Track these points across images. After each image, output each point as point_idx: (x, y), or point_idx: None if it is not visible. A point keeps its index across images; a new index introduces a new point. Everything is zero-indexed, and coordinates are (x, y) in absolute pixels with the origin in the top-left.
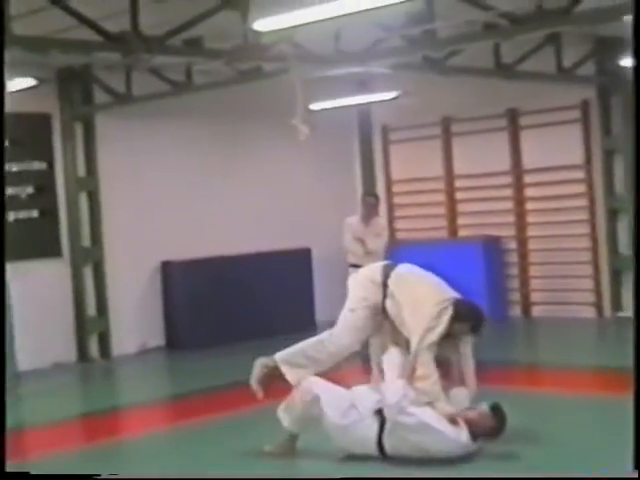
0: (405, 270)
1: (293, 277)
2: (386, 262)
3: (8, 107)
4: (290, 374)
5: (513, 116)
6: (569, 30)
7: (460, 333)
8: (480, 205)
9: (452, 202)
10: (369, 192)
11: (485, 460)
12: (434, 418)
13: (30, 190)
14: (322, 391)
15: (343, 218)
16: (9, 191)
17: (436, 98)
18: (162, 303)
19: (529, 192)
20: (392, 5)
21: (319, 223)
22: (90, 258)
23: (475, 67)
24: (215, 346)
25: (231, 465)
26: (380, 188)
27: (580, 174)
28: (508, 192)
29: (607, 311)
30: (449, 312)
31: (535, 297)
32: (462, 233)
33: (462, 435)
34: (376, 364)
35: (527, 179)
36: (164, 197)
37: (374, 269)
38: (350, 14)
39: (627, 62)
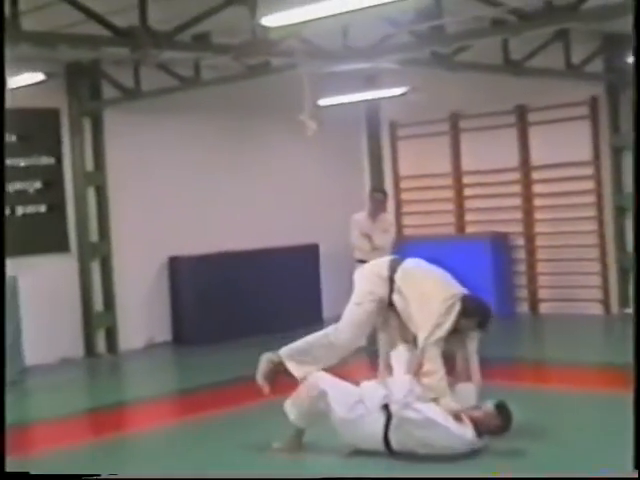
0: (412, 265)
1: (300, 273)
2: (393, 257)
3: (17, 102)
4: (295, 369)
5: (521, 112)
6: (577, 26)
7: (467, 329)
8: (488, 201)
9: (460, 198)
10: (377, 188)
11: (490, 457)
12: (440, 414)
13: (38, 185)
14: (329, 386)
15: (351, 214)
16: (17, 186)
17: (444, 94)
18: (169, 298)
19: (537, 188)
20: (400, 1)
21: (327, 219)
22: (98, 253)
23: (483, 63)
24: (222, 341)
25: (238, 460)
26: (388, 184)
27: (588, 171)
28: (516, 188)
29: (614, 308)
30: (456, 308)
31: (542, 294)
32: (470, 229)
33: (467, 432)
34: (384, 360)
35: (535, 175)
36: (172, 192)
37: (381, 264)
38: (358, 9)
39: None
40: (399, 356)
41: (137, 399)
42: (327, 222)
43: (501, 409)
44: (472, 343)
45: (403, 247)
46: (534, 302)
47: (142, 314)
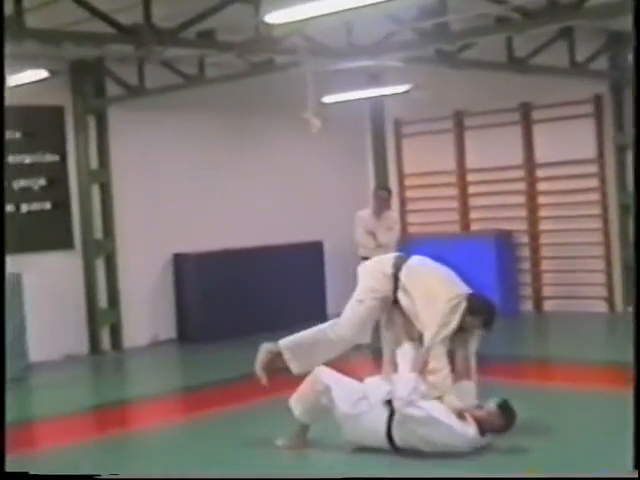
0: (417, 262)
1: (305, 270)
2: (397, 254)
3: (21, 99)
4: (293, 362)
5: (526, 110)
6: (582, 24)
7: (472, 327)
8: (492, 199)
9: (464, 196)
10: (381, 186)
11: (493, 454)
12: (443, 412)
13: (43, 182)
14: (333, 382)
15: (355, 211)
16: (21, 183)
17: (448, 92)
18: (174, 295)
19: (541, 186)
20: None
21: (331, 216)
22: (102, 250)
23: (487, 61)
24: (226, 339)
25: (242, 457)
26: (392, 182)
27: (593, 168)
28: (520, 186)
29: (619, 306)
30: (462, 306)
31: (547, 291)
32: (474, 227)
33: (470, 430)
34: (388, 357)
35: (539, 173)
36: (176, 189)
37: (385, 261)
38: (362, 7)
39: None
40: (404, 354)
41: (141, 396)
42: (331, 219)
43: (504, 408)
44: (474, 342)
45: (407, 245)
46: (538, 300)
47: (146, 311)
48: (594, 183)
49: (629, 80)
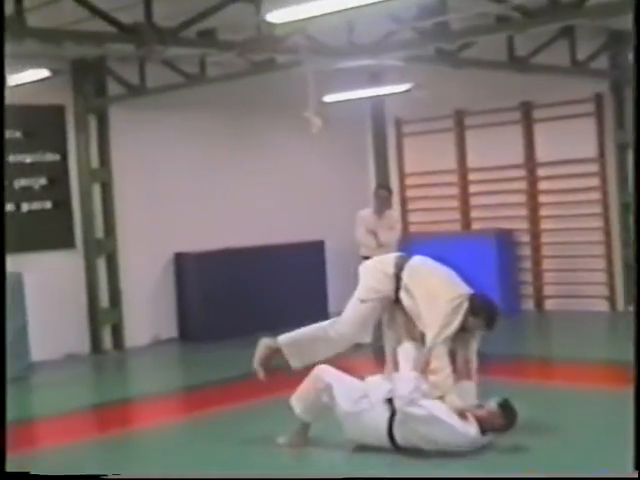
0: (418, 262)
1: (306, 269)
2: (399, 254)
3: (22, 99)
4: (292, 358)
5: (527, 109)
6: (583, 23)
7: (474, 327)
8: (493, 198)
9: (465, 195)
10: (382, 185)
11: (494, 453)
12: (444, 412)
13: (43, 181)
14: (334, 380)
15: (356, 211)
16: (22, 182)
17: (449, 91)
18: (175, 295)
19: (542, 185)
20: None
21: (332, 216)
22: (103, 250)
23: (488, 60)
24: (228, 338)
25: (243, 456)
26: (393, 181)
27: (594, 167)
28: (521, 185)
29: (620, 305)
30: (464, 307)
31: (548, 290)
32: (475, 226)
33: (471, 430)
34: (390, 356)
35: (540, 172)
36: (177, 189)
37: (386, 260)
38: (363, 6)
39: None
40: (406, 353)
41: (143, 395)
42: (332, 219)
43: (505, 408)
44: (475, 342)
45: (408, 244)
46: (539, 299)
47: (148, 310)
48: (595, 182)
49: (630, 79)
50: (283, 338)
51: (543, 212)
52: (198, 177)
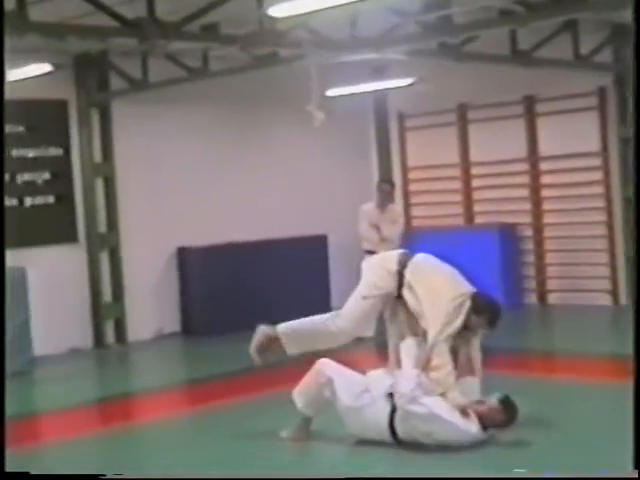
0: (421, 260)
1: (309, 264)
2: (402, 251)
3: (25, 93)
4: (289, 345)
5: (530, 103)
6: (586, 17)
7: (477, 326)
8: (496, 192)
9: (468, 189)
10: (384, 179)
11: (495, 448)
12: (445, 409)
13: (46, 176)
14: (335, 374)
15: (359, 205)
16: (25, 177)
17: (452, 85)
18: (178, 289)
19: (545, 179)
20: None
21: (335, 210)
22: (106, 244)
23: (491, 54)
24: (231, 332)
25: (245, 449)
26: (396, 175)
27: (597, 161)
28: (524, 179)
29: (623, 299)
30: (466, 305)
31: (551, 284)
32: (478, 220)
33: (472, 427)
34: (393, 352)
35: (543, 166)
36: (180, 183)
37: (390, 258)
38: (365, 0)
39: None
40: (408, 349)
41: (146, 389)
42: (335, 213)
43: (506, 404)
44: (476, 339)
45: (411, 238)
46: (542, 293)
47: (151, 305)
48: (598, 176)
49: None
50: (282, 327)
51: (546, 206)
52: (201, 171)
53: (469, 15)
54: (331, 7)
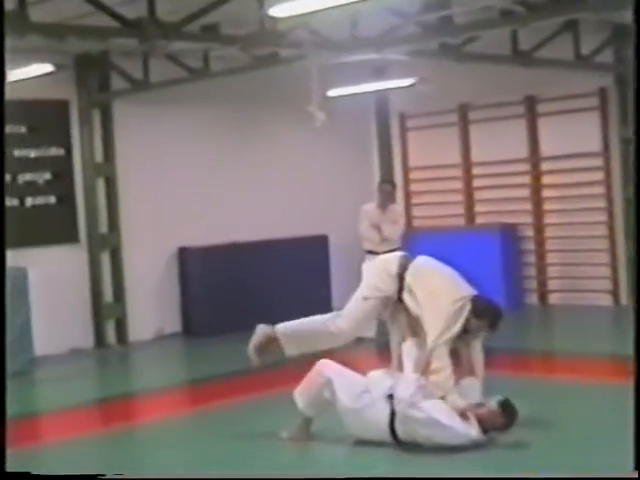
0: (422, 263)
1: (310, 264)
2: (403, 254)
3: (26, 93)
4: (288, 346)
5: (531, 103)
6: (587, 17)
7: (477, 330)
8: (497, 192)
9: (469, 189)
10: (385, 179)
11: (495, 449)
12: (445, 413)
13: (48, 176)
14: (335, 375)
15: (360, 205)
16: (27, 177)
17: (453, 85)
18: (179, 289)
19: (546, 179)
20: None
21: (336, 210)
22: (107, 244)
23: (492, 54)
24: (231, 332)
25: (246, 450)
26: (397, 175)
27: (598, 162)
28: (525, 180)
29: (624, 299)
30: (467, 309)
31: (552, 285)
32: (479, 220)
33: (472, 430)
34: (396, 352)
35: (544, 166)
36: (181, 183)
37: (390, 260)
38: (366, 0)
39: None
40: (409, 351)
41: (146, 390)
42: (336, 213)
43: (505, 407)
44: (477, 342)
45: (412, 238)
46: (543, 293)
47: (152, 305)
48: (599, 176)
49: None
50: (281, 327)
51: (547, 206)
52: (202, 172)
53: (470, 15)
54: (332, 7)
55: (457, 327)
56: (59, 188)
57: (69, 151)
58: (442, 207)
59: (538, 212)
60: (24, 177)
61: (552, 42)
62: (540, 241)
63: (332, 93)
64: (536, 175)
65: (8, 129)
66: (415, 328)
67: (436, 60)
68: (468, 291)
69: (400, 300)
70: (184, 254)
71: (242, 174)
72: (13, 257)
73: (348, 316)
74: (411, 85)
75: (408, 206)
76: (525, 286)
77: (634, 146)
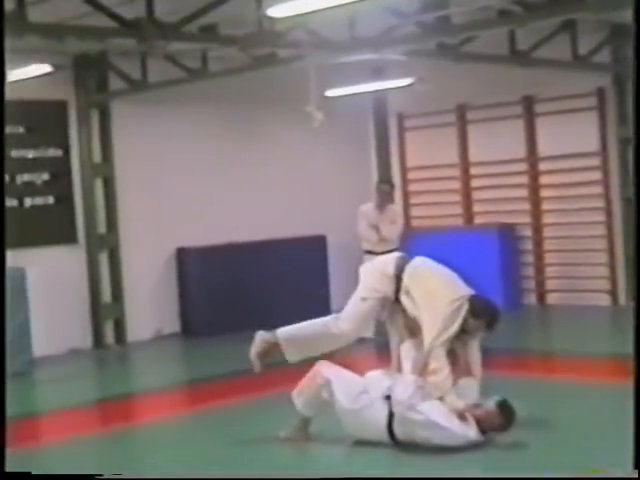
0: (419, 263)
1: (308, 264)
2: (400, 255)
3: (24, 94)
4: (289, 352)
5: (528, 103)
6: (585, 17)
7: (475, 330)
8: (495, 192)
9: (467, 189)
10: (383, 179)
11: (494, 450)
12: (443, 415)
13: (46, 177)
14: (333, 375)
15: (358, 205)
16: (25, 177)
17: (451, 85)
18: (177, 289)
19: (544, 179)
20: None
21: (334, 210)
22: (105, 244)
23: (490, 54)
24: (230, 332)
25: (245, 450)
26: (395, 175)
27: (596, 161)
28: (523, 179)
29: (622, 299)
30: (464, 309)
31: (550, 285)
32: (477, 220)
33: (470, 432)
34: (395, 352)
35: (542, 166)
36: (179, 183)
37: (387, 261)
38: (364, 0)
39: None
40: (407, 352)
41: (145, 390)
42: (335, 213)
43: (503, 407)
44: (474, 342)
45: (410, 238)
46: (542, 293)
47: (150, 305)
48: (597, 176)
49: (632, 73)
50: (281, 332)
51: (545, 206)
52: (200, 172)
53: (468, 15)
54: (330, 8)
55: (455, 327)
56: (57, 188)
57: (67, 151)
58: (440, 207)
59: (536, 212)
60: (22, 178)
61: (550, 42)
62: (538, 241)
63: (330, 93)
64: (534, 175)
65: (6, 130)
66: (413, 329)
67: (434, 60)
68: (465, 291)
69: (398, 301)
70: (182, 254)
71: (240, 174)
72: (12, 257)
73: (348, 317)
74: (409, 85)
75: (406, 206)
76: (523, 286)
77: (634, 146)
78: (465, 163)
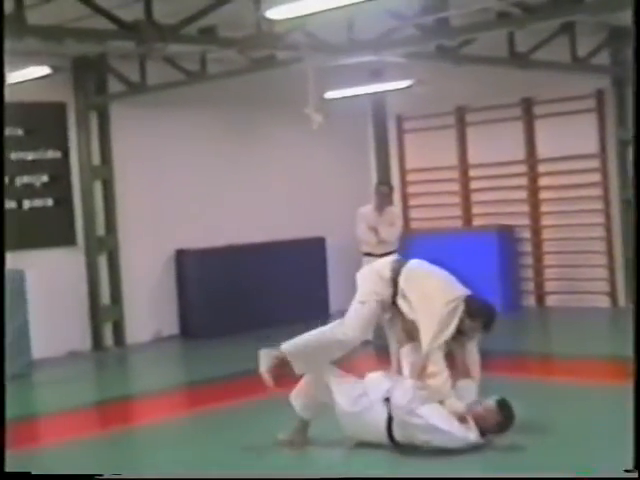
0: (415, 266)
1: (307, 266)
2: (395, 258)
3: (23, 96)
4: (297, 365)
5: (527, 105)
6: (583, 19)
7: (472, 330)
8: (494, 194)
9: (466, 191)
10: (382, 181)
11: (493, 452)
12: (443, 418)
13: (45, 179)
14: (332, 378)
15: (357, 207)
16: (24, 179)
17: (450, 87)
18: (176, 291)
19: (543, 181)
20: None
21: (333, 212)
22: (104, 247)
23: (489, 56)
24: (229, 334)
25: (243, 453)
26: (394, 177)
27: (595, 163)
28: (522, 181)
29: (621, 301)
30: (460, 310)
31: (549, 286)
32: (476, 222)
33: (470, 434)
34: (395, 358)
35: (541, 168)
36: (178, 186)
37: (383, 265)
38: (363, 2)
39: None
40: (406, 356)
41: (144, 392)
42: (334, 215)
43: (502, 405)
44: (472, 343)
45: (410, 240)
46: (541, 295)
47: (149, 307)
48: (596, 178)
49: (631, 75)
50: (286, 346)
51: (544, 208)
52: (199, 174)
53: (466, 18)
54: (328, 10)
55: (451, 329)
56: (56, 191)
57: (66, 154)
58: (439, 209)
59: (535, 214)
60: (21, 180)
61: (549, 44)
62: (537, 243)
63: (329, 95)
64: (533, 177)
65: (6, 132)
66: (412, 332)
67: (433, 62)
68: (461, 291)
69: (395, 305)
70: (182, 256)
71: (239, 176)
72: (11, 260)
73: (351, 323)
74: (408, 87)
75: (405, 208)
76: (522, 288)
77: (633, 148)
78: (464, 165)
